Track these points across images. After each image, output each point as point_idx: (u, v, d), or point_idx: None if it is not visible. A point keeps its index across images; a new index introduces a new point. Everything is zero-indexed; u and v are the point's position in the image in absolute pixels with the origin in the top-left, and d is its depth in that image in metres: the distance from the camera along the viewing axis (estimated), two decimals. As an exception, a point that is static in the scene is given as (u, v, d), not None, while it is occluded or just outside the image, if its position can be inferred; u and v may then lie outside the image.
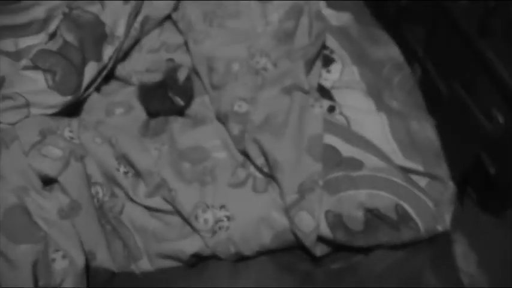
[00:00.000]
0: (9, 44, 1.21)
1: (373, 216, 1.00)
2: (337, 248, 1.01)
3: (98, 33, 1.21)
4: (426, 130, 1.13)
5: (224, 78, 1.16)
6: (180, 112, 1.17)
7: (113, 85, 1.25)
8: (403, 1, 1.32)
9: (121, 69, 1.25)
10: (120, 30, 1.24)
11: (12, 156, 1.01)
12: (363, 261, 1.01)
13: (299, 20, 1.23)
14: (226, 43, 1.20)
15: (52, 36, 1.19)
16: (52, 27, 1.20)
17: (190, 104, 1.19)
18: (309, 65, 1.18)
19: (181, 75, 1.15)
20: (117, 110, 1.18)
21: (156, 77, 1.14)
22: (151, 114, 1.17)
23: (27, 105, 1.11)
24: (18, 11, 1.24)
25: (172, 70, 1.16)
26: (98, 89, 1.23)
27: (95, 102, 1.19)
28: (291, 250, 1.03)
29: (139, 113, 1.17)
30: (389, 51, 1.29)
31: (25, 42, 1.22)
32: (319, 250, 1.00)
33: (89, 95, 1.21)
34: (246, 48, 1.19)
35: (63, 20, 1.20)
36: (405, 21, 1.33)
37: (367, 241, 1.00)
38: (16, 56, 1.19)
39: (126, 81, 1.25)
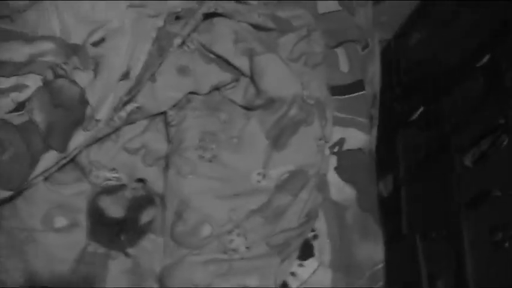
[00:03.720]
0: None
1: None
2: None
3: (74, 118, 1.04)
4: None
5: (188, 239, 1.04)
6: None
7: (67, 174, 1.09)
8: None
9: (83, 156, 1.09)
10: (102, 114, 1.06)
11: None
12: None
13: (298, 195, 1.10)
14: (208, 192, 1.06)
15: (20, 106, 0.99)
16: (24, 92, 1.01)
17: (140, 239, 1.05)
18: (285, 258, 1.07)
19: (145, 219, 1.01)
20: (58, 221, 1.04)
21: (116, 212, 0.99)
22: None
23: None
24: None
25: (138, 208, 1.02)
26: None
27: (37, 197, 1.04)
28: None
29: (81, 236, 1.03)
30: (374, 253, 1.20)
31: (-12, 81, 1.01)
32: None
33: (35, 183, 1.04)
34: (228, 211, 1.06)
35: (40, 91, 1.01)
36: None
37: None
38: None
39: (83, 173, 1.09)
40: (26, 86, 1.03)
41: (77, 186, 1.09)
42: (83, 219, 1.05)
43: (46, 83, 1.02)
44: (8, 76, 1.04)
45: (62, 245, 1.02)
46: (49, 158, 1.03)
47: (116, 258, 1.04)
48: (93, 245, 1.04)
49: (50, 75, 1.03)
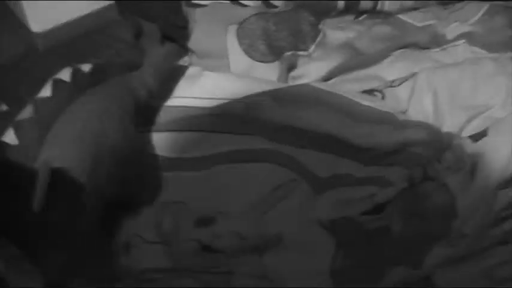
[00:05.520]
0: (323, 163, 0.91)
1: None
2: None
3: (435, 232, 0.86)
4: None
5: None
6: None
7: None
8: None
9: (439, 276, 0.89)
10: (471, 229, 0.87)
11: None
12: None
13: None
14: None
15: (379, 208, 0.83)
16: (384, 191, 0.84)
17: None
18: None
19: None
20: None
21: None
22: None
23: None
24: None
25: None
26: None
27: None
28: None
29: None
30: None
31: (343, 167, 0.91)
32: None
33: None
34: None
35: (404, 193, 0.84)
36: None
37: None
38: (323, 184, 0.90)
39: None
40: (388, 182, 0.85)
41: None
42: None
43: (412, 185, 0.83)
44: (368, 164, 0.87)
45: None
46: (398, 273, 0.84)
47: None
48: None
49: (418, 174, 0.84)
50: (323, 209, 0.87)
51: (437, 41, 1.05)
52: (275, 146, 0.89)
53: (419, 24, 1.08)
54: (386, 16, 1.10)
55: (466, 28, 1.04)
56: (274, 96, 0.93)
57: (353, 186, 0.89)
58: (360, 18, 1.12)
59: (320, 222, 0.85)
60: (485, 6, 1.07)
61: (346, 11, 1.10)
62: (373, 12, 1.11)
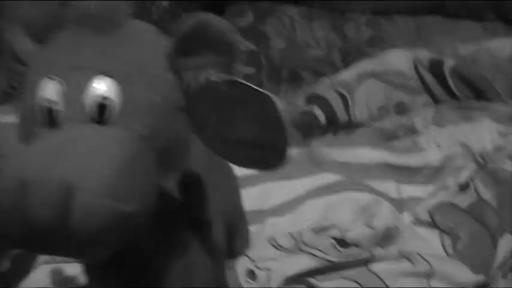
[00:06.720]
0: (391, 188, 0.99)
1: None
2: None
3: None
4: None
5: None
6: None
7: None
8: None
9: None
10: None
11: None
12: None
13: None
14: None
15: (463, 187, 0.89)
16: (462, 176, 0.91)
17: None
18: None
19: None
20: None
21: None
22: None
23: (429, 275, 0.81)
24: (408, 150, 1.05)
25: None
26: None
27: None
28: None
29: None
30: None
31: (408, 191, 0.99)
32: None
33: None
34: None
35: (477, 171, 0.91)
36: None
37: None
38: (398, 205, 0.96)
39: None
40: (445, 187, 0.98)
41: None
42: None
43: (480, 166, 0.95)
44: (425, 183, 1.01)
45: None
46: (505, 244, 0.89)
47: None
48: None
49: (480, 160, 0.97)
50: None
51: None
52: (347, 178, 0.97)
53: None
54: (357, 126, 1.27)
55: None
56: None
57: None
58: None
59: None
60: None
61: (327, 126, 1.25)
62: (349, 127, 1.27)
